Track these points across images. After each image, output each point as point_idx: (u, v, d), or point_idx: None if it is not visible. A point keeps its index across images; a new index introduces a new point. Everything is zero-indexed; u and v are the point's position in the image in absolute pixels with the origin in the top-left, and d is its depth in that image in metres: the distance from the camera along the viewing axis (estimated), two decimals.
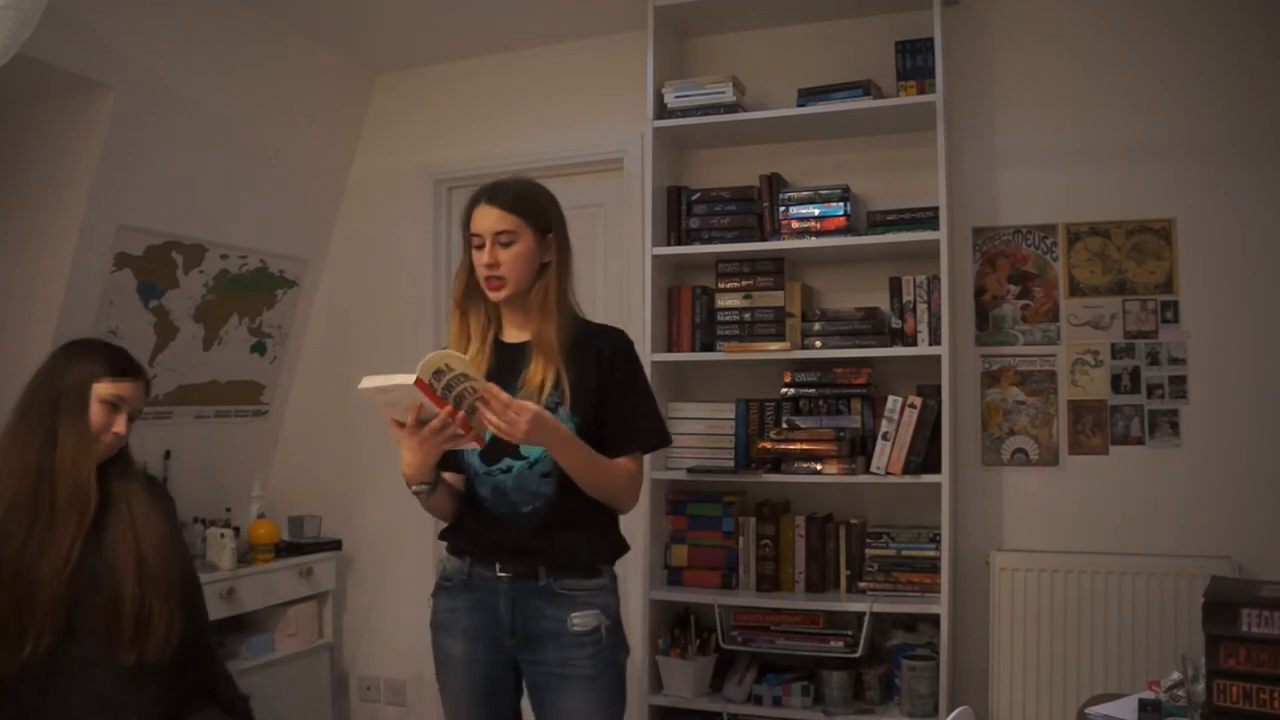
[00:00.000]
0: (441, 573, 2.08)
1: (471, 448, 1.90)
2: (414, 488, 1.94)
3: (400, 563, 3.77)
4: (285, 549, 3.58)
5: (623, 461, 1.98)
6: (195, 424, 3.56)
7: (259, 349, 3.75)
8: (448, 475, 2.02)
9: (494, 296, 1.98)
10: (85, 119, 2.88)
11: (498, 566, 1.97)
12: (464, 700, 2.02)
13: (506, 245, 1.95)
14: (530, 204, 1.98)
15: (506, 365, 1.99)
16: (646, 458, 3.06)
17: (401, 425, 1.83)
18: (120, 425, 1.96)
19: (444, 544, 2.09)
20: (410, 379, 1.71)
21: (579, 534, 1.97)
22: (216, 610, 3.14)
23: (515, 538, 1.96)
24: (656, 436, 2.06)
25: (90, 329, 2.99)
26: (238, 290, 3.55)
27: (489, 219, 1.96)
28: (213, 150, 3.26)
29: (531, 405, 1.80)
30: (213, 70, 3.15)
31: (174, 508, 2.13)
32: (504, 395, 1.78)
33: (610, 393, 1.97)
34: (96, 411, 1.94)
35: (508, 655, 1.98)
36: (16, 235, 3.00)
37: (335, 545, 3.74)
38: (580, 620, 1.93)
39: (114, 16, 2.79)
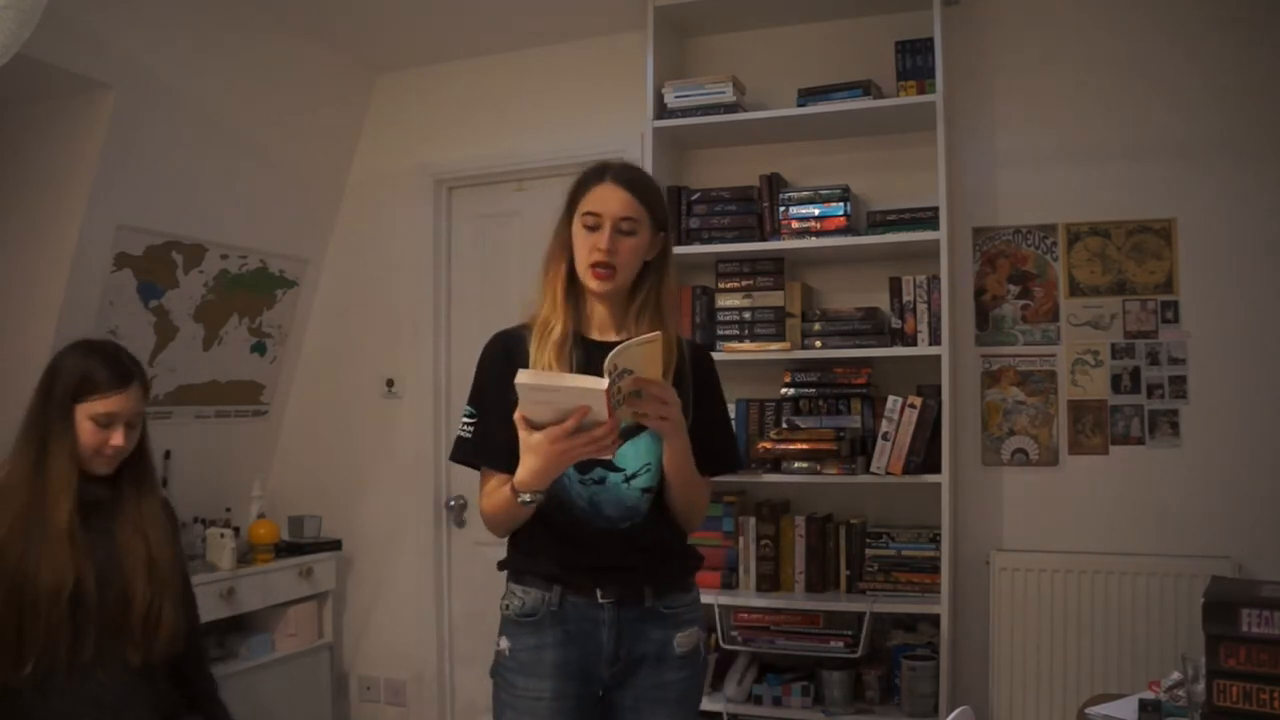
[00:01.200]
0: (518, 609, 1.80)
1: (605, 457, 1.69)
2: (524, 497, 1.67)
3: (400, 563, 3.77)
4: (285, 549, 3.58)
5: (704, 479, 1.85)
6: (195, 424, 3.56)
7: (259, 349, 3.75)
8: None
9: (597, 286, 1.76)
10: (85, 119, 2.88)
11: (599, 593, 1.77)
12: None
13: (628, 234, 1.76)
14: (655, 194, 1.82)
15: (596, 366, 1.67)
16: None
17: (538, 427, 1.59)
18: (118, 439, 1.92)
19: (508, 575, 1.85)
20: (602, 385, 1.51)
21: (675, 549, 1.87)
22: (217, 610, 3.15)
23: (616, 557, 1.78)
24: (737, 460, 1.97)
25: (90, 329, 2.99)
26: (238, 290, 3.55)
27: (616, 201, 1.75)
28: (213, 150, 3.26)
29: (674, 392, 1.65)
30: (213, 70, 3.15)
31: (171, 511, 2.13)
32: (658, 383, 1.62)
33: (703, 410, 1.82)
34: (88, 430, 1.90)
35: (599, 686, 1.80)
36: (16, 235, 3.00)
37: (335, 545, 3.74)
38: (683, 639, 1.82)
39: (114, 16, 2.79)
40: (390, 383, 3.81)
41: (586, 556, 1.78)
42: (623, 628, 1.77)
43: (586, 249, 1.76)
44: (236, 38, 3.19)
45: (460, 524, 3.76)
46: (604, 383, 1.51)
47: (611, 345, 1.58)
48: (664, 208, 1.83)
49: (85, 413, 1.89)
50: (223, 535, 3.27)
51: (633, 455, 1.76)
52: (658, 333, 1.62)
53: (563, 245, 1.81)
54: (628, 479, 1.77)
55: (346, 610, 3.86)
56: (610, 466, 1.75)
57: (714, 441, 1.84)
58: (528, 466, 1.63)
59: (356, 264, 3.89)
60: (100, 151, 2.88)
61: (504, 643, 1.81)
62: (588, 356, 1.76)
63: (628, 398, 1.58)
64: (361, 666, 3.84)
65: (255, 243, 3.55)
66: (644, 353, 1.58)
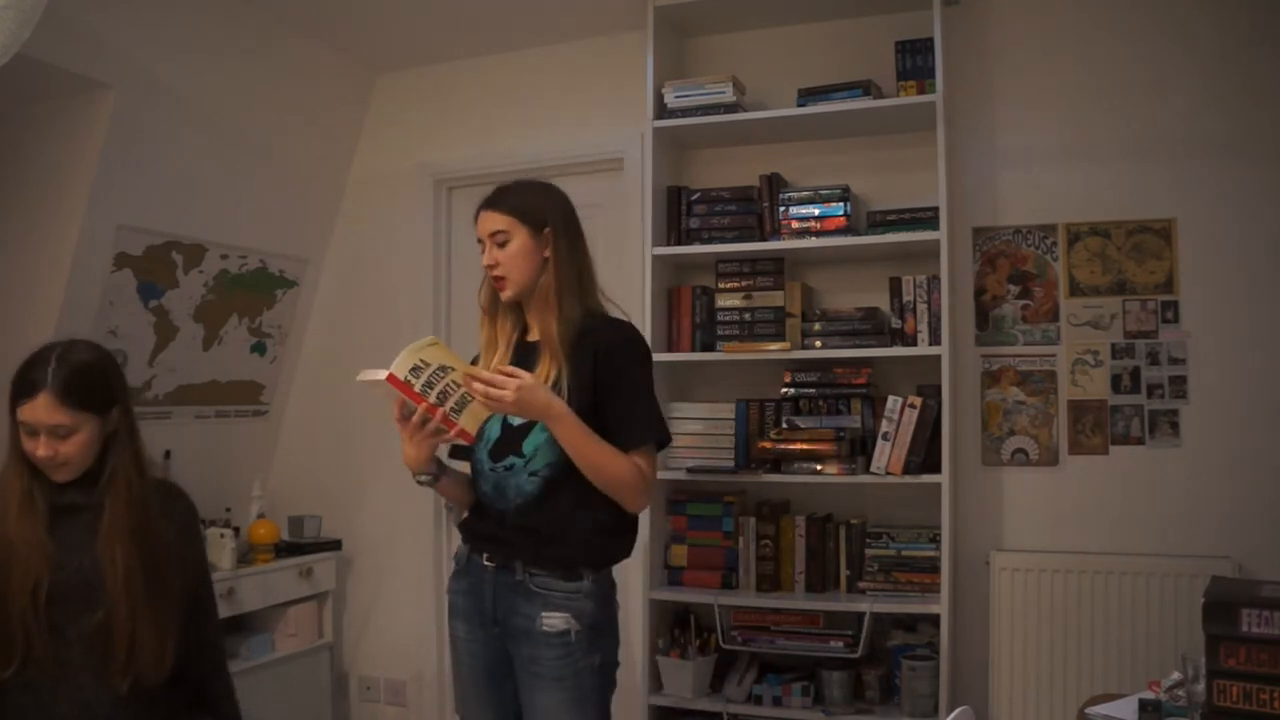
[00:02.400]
0: (455, 557, 2.16)
1: (460, 443, 1.99)
2: (416, 478, 2.04)
3: (400, 563, 3.77)
4: (285, 549, 3.58)
5: (630, 457, 1.97)
6: (195, 424, 3.56)
7: (259, 349, 3.75)
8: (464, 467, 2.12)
9: (504, 296, 2.06)
10: (85, 119, 2.88)
11: (485, 555, 2.05)
12: (468, 681, 2.09)
13: (503, 245, 2.03)
14: (521, 201, 2.04)
15: (523, 364, 2.01)
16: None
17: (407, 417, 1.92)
18: (39, 448, 1.84)
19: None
20: (377, 376, 1.81)
21: (561, 533, 1.99)
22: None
23: (495, 528, 2.04)
24: (651, 432, 2.03)
25: (90, 329, 2.99)
26: (238, 290, 3.55)
27: (485, 221, 2.05)
28: (213, 150, 3.26)
29: (523, 375, 1.88)
30: (213, 70, 3.15)
31: (190, 518, 2.05)
32: (484, 373, 1.88)
33: (606, 389, 1.98)
34: (22, 437, 1.86)
35: (498, 642, 2.03)
36: (16, 235, 3.00)
37: (335, 545, 3.74)
38: (549, 621, 1.96)
39: (114, 16, 2.79)
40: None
41: (481, 524, 2.08)
42: (499, 593, 2.02)
43: (485, 268, 2.07)
44: (237, 38, 3.19)
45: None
46: (378, 374, 1.82)
47: (535, 344, 2.04)
48: (539, 209, 2.04)
49: (17, 418, 1.86)
50: (223, 535, 3.27)
51: (529, 443, 2.01)
52: (431, 336, 1.94)
53: (485, 274, 2.11)
54: (526, 464, 2.01)
55: (346, 610, 3.86)
56: (520, 453, 2.01)
57: (617, 418, 1.98)
58: (403, 451, 1.99)
59: (356, 264, 3.89)
60: (100, 151, 2.88)
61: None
62: (517, 358, 2.06)
63: (462, 401, 1.91)
64: (361, 666, 3.84)
65: (255, 243, 3.55)
66: (435, 353, 1.87)
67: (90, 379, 1.89)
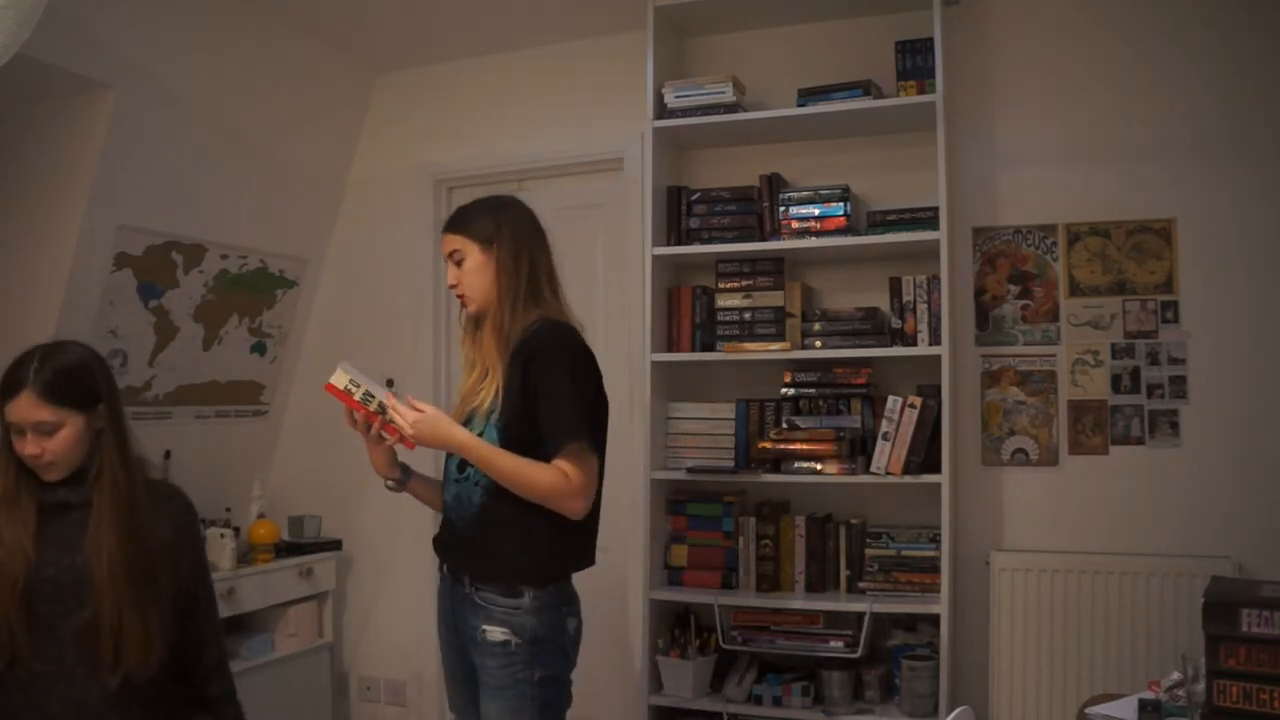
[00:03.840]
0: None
1: (402, 445, 2.10)
2: (385, 484, 2.20)
3: (400, 563, 3.77)
4: (285, 549, 3.58)
5: (556, 463, 1.97)
6: (195, 424, 3.56)
7: (259, 349, 3.75)
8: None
9: (468, 311, 2.14)
10: (85, 119, 2.88)
11: (444, 565, 2.15)
12: (448, 681, 2.18)
13: (458, 263, 2.11)
14: (471, 220, 2.12)
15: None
16: (644, 456, 3.10)
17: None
18: (26, 446, 1.85)
19: None
20: (334, 380, 2.02)
21: (498, 548, 2.02)
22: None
23: (447, 541, 2.13)
24: (571, 434, 1.97)
25: (90, 329, 2.99)
26: (238, 290, 3.55)
27: (443, 244, 2.14)
28: (213, 150, 3.26)
29: (424, 409, 2.01)
30: (213, 70, 3.15)
31: (188, 518, 2.04)
32: (395, 404, 2.02)
33: (534, 395, 1.99)
34: (15, 438, 1.87)
35: (462, 645, 2.10)
36: (16, 235, 3.00)
37: (335, 545, 3.74)
38: (490, 633, 2.00)
39: (114, 16, 2.79)
40: (390, 383, 3.80)
41: (441, 533, 2.16)
42: (455, 602, 2.09)
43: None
44: (237, 38, 3.19)
45: None
46: (338, 378, 2.03)
47: None
48: (486, 225, 2.10)
49: (5, 418, 1.87)
50: (223, 535, 3.27)
51: None
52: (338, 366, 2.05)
53: None
54: (475, 475, 2.06)
55: (346, 610, 3.86)
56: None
57: (542, 418, 1.99)
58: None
59: (356, 264, 3.89)
60: (100, 151, 2.88)
61: None
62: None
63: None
64: (361, 666, 3.84)
65: (255, 243, 3.55)
66: (361, 377, 2.05)
67: (73, 376, 1.90)
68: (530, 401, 1.99)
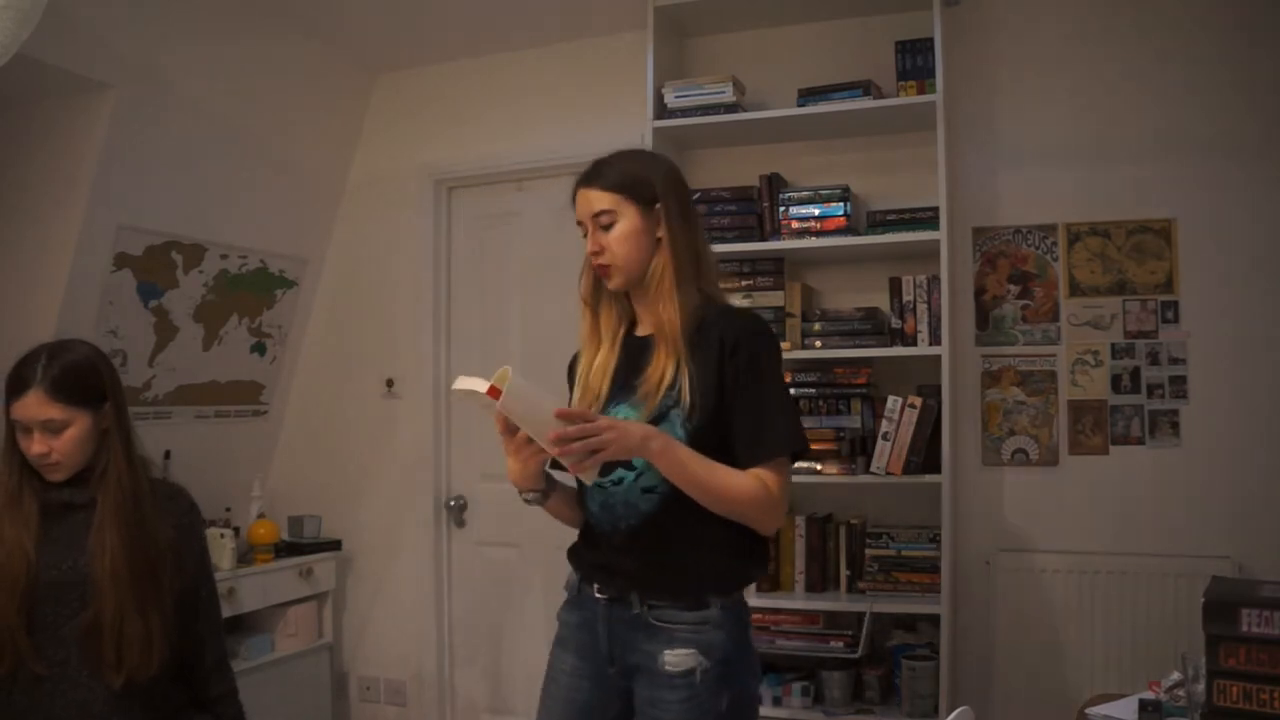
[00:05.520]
0: (567, 585, 1.88)
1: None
2: (522, 496, 1.79)
3: (400, 563, 3.77)
4: (285, 549, 3.58)
5: (754, 472, 1.68)
6: (195, 424, 3.56)
7: (259, 349, 3.75)
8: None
9: (610, 286, 1.78)
10: (85, 119, 2.88)
11: (596, 587, 1.78)
12: (556, 715, 1.81)
13: (607, 228, 1.75)
14: (626, 175, 1.77)
15: (632, 362, 1.77)
16: None
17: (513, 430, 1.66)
18: (33, 445, 1.84)
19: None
20: (484, 386, 1.57)
21: (681, 558, 1.72)
22: None
23: (606, 557, 1.77)
24: (787, 443, 1.72)
25: (90, 329, 2.99)
26: (238, 290, 3.55)
27: (584, 203, 1.78)
28: (212, 150, 3.26)
29: (600, 420, 1.59)
30: (213, 70, 3.15)
31: (192, 518, 2.03)
32: (572, 432, 1.56)
33: (733, 391, 1.70)
34: (21, 437, 1.87)
35: (612, 682, 1.78)
36: (16, 235, 3.00)
37: (335, 545, 3.74)
38: (673, 659, 1.68)
39: (114, 16, 2.79)
40: (390, 383, 3.81)
41: (591, 552, 1.81)
42: (614, 629, 1.75)
43: (588, 255, 1.79)
44: (237, 37, 3.19)
45: (460, 524, 3.76)
46: (479, 385, 1.57)
47: (647, 339, 1.76)
48: (648, 181, 1.77)
49: (11, 418, 1.87)
50: (223, 535, 3.28)
51: None
52: (484, 380, 1.58)
53: (586, 262, 1.83)
54: (638, 478, 1.73)
55: (346, 610, 3.86)
56: (629, 465, 1.72)
57: (746, 427, 1.70)
58: (507, 465, 1.74)
59: (356, 264, 3.89)
60: (100, 151, 2.88)
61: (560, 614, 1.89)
62: (626, 355, 1.80)
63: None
64: (361, 666, 3.84)
65: (255, 243, 3.55)
66: (509, 404, 1.56)
67: (81, 373, 1.90)
68: (724, 396, 1.70)
